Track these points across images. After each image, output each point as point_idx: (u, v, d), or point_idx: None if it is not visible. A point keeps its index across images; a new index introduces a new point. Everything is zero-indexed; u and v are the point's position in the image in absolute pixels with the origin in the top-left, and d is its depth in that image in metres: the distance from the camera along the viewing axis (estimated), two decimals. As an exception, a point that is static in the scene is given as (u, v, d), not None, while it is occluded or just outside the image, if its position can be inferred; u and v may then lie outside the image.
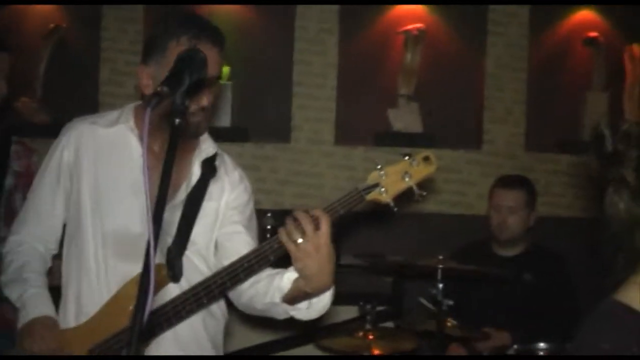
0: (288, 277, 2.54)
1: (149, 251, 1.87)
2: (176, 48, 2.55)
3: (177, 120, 1.96)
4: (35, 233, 2.90)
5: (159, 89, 1.96)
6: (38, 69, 5.77)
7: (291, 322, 2.70)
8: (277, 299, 2.57)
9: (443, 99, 6.15)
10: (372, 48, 6.11)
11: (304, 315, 2.59)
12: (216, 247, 2.85)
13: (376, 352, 4.14)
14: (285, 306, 2.58)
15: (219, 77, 2.76)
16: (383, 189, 2.52)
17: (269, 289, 2.60)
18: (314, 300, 2.52)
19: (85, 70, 5.86)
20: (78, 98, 5.75)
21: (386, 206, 2.55)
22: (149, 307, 1.84)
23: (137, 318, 1.81)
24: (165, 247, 2.72)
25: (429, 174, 2.56)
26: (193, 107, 2.63)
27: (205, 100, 2.67)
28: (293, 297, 2.54)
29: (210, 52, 2.48)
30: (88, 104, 5.64)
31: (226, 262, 2.64)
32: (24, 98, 5.75)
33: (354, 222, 5.39)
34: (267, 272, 2.64)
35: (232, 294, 2.78)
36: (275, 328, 4.96)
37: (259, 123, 5.97)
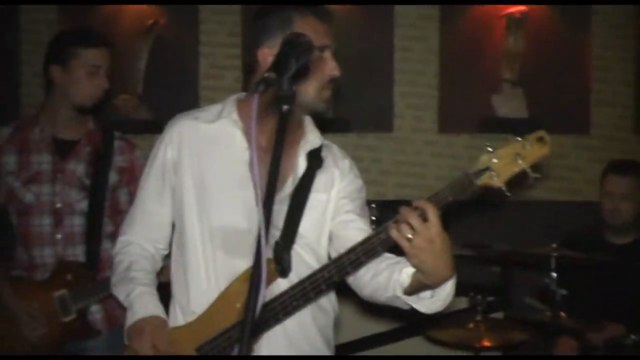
0: (407, 272, 2.46)
1: (259, 246, 1.83)
2: (301, 21, 2.57)
3: (285, 107, 1.89)
4: (143, 233, 2.87)
5: (265, 75, 1.90)
6: (137, 66, 5.79)
7: (401, 313, 2.63)
8: (399, 292, 2.49)
9: (548, 82, 5.96)
10: (474, 32, 5.95)
11: (428, 307, 2.49)
12: (331, 238, 2.79)
13: (486, 344, 4.04)
14: (408, 299, 2.49)
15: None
16: (494, 173, 2.36)
17: (389, 283, 2.52)
18: (437, 289, 2.43)
19: (184, 65, 5.86)
20: (178, 93, 5.75)
21: (498, 191, 2.39)
22: (260, 303, 1.80)
23: (248, 314, 1.78)
24: (273, 242, 2.66)
25: (544, 156, 2.37)
26: (322, 80, 2.61)
27: (336, 69, 2.64)
28: (414, 290, 2.46)
29: (323, 27, 2.53)
30: (188, 98, 5.65)
31: (342, 252, 2.56)
32: (124, 95, 5.78)
33: (459, 211, 5.27)
34: (386, 262, 2.57)
35: (355, 286, 2.71)
36: (384, 319, 4.90)
37: (360, 113, 5.88)
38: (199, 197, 2.71)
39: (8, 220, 3.75)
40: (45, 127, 3.72)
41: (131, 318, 2.72)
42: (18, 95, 5.67)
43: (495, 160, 2.37)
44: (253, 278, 1.82)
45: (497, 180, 2.37)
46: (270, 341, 2.65)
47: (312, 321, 2.76)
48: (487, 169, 2.37)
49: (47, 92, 3.81)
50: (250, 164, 2.64)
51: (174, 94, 5.73)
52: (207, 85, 5.80)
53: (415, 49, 5.88)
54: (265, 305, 2.52)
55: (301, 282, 2.56)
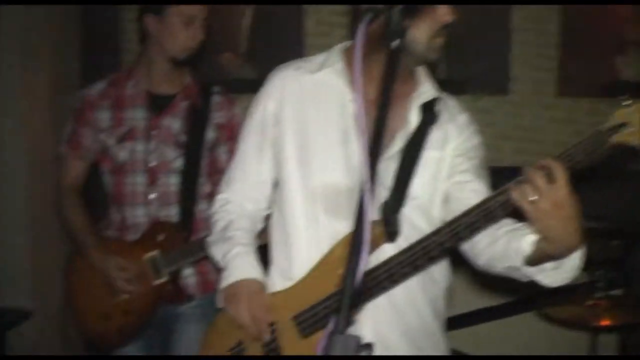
0: (528, 240, 2.20)
1: (362, 206, 1.66)
2: None
3: (394, 43, 1.65)
4: (242, 191, 2.72)
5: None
6: (241, 23, 5.63)
7: (514, 286, 2.41)
8: (518, 262, 2.24)
9: (677, 44, 5.54)
10: (599, -11, 5.56)
11: (551, 280, 2.23)
12: (445, 200, 2.55)
13: (605, 322, 3.74)
14: (528, 270, 2.24)
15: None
16: (633, 129, 2.09)
17: (507, 252, 2.27)
18: (563, 260, 2.16)
19: (289, 22, 5.64)
20: (283, 51, 5.54)
21: (635, 151, 2.12)
22: (361, 270, 1.62)
23: (348, 282, 1.61)
24: (381, 202, 2.44)
25: None
26: (433, 25, 2.37)
27: (448, 15, 2.40)
28: (536, 260, 2.19)
29: None
30: (293, 57, 5.37)
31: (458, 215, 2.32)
32: (228, 53, 5.62)
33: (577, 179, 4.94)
34: (505, 228, 2.31)
35: (469, 254, 2.48)
36: (495, 292, 4.64)
37: (475, 74, 5.56)
38: (300, 153, 2.54)
39: (101, 179, 3.60)
40: (139, 81, 3.57)
41: (226, 280, 2.56)
42: (117, 49, 5.54)
43: (634, 114, 2.08)
44: (354, 242, 1.64)
45: (635, 138, 2.08)
46: (375, 312, 2.44)
47: (421, 291, 2.55)
48: (623, 124, 2.09)
49: (142, 45, 3.63)
50: (356, 117, 2.41)
51: (278, 53, 5.51)
52: (312, 44, 5.55)
53: (535, 6, 5.52)
54: (369, 273, 2.33)
55: (410, 248, 2.33)
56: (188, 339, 3.50)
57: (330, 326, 1.60)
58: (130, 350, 3.57)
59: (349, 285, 1.60)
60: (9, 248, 4.94)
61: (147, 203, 3.52)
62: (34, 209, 4.92)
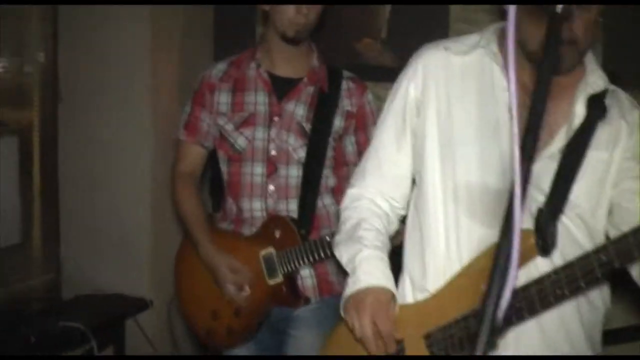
0: None
1: (512, 212, 1.34)
2: None
3: (558, 7, 1.31)
4: (377, 186, 2.38)
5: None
6: (382, 9, 5.31)
7: None
8: None
9: None
10: None
11: None
12: (610, 210, 2.14)
13: None
14: None
15: None
16: None
17: None
18: None
19: (433, 8, 5.29)
20: (425, 39, 5.17)
21: None
22: (508, 288, 1.26)
23: (490, 302, 1.28)
24: (535, 209, 2.06)
25: None
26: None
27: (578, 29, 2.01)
28: None
29: None
30: (437, 44, 5.06)
31: (625, 229, 1.90)
32: (367, 39, 5.30)
33: None
34: None
35: (635, 274, 2.07)
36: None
37: (633, 66, 5.05)
38: (444, 146, 2.19)
39: (218, 168, 3.33)
40: (262, 63, 3.29)
41: (352, 286, 2.22)
42: (251, 29, 5.32)
43: None
44: (500, 253, 1.31)
45: None
46: (521, 338, 2.07)
47: (577, 316, 2.15)
48: None
49: (264, 24, 3.35)
50: (509, 107, 2.06)
51: (420, 40, 5.16)
52: (458, 29, 5.14)
53: None
54: (518, 292, 1.94)
55: (569, 265, 1.93)
56: (304, 346, 3.18)
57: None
58: (241, 352, 3.31)
59: (492, 307, 1.27)
60: (133, 234, 4.93)
61: (265, 195, 3.23)
62: (157, 194, 4.85)
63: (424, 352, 2.13)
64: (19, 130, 4.69)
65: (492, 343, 1.25)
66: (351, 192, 2.44)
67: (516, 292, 1.94)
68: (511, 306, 1.89)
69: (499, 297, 1.27)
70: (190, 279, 3.37)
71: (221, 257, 3.18)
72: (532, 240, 2.02)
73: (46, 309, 4.70)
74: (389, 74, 4.73)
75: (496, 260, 1.30)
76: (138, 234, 4.94)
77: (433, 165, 2.21)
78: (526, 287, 1.97)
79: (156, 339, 4.90)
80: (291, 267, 3.15)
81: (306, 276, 3.24)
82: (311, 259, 3.10)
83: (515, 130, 1.34)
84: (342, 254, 2.33)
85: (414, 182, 2.35)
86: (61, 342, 4.35)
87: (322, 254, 3.01)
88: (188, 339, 4.72)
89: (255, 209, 3.23)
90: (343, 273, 2.33)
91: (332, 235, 2.88)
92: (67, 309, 4.77)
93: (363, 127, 3.22)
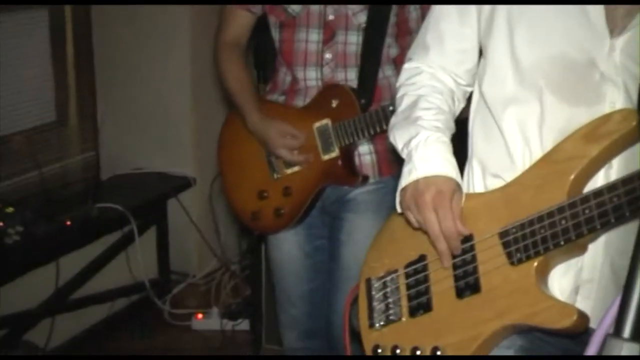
0: None
1: None
2: None
3: None
4: (439, 60, 2.04)
5: None
6: None
7: None
8: None
9: None
10: None
11: None
12: None
13: None
14: None
15: None
16: None
17: None
18: None
19: None
20: None
21: None
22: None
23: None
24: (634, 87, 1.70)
25: None
26: None
27: None
28: None
29: None
30: None
31: None
32: None
33: None
34: None
35: None
36: None
37: None
38: (517, 14, 1.83)
39: (270, 35, 3.03)
40: None
41: (408, 176, 1.89)
42: None
43: None
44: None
45: None
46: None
47: None
48: None
49: None
50: None
51: None
52: None
53: None
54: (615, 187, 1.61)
55: None
56: (358, 232, 2.89)
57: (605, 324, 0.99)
58: (288, 236, 3.05)
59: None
60: (175, 110, 4.81)
61: (322, 64, 2.92)
62: (198, 68, 4.69)
63: (499, 251, 1.79)
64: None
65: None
66: (409, 66, 2.10)
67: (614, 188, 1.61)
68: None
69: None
70: (236, 156, 3.11)
71: (270, 122, 2.92)
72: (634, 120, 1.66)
73: (84, 190, 4.56)
74: None
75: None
76: (180, 110, 4.79)
77: (501, 39, 1.87)
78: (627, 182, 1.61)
79: (200, 220, 4.75)
80: (349, 140, 2.86)
81: (365, 153, 2.95)
82: (372, 131, 2.80)
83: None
84: (397, 138, 1.99)
85: (480, 53, 2.00)
86: (100, 224, 4.21)
87: (384, 126, 2.70)
88: (230, 221, 4.56)
89: (310, 78, 2.93)
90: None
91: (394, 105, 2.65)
92: (106, 189, 4.64)
93: None
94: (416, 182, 1.86)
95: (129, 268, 4.46)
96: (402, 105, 2.02)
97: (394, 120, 2.04)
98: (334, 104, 2.85)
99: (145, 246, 4.54)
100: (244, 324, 4.42)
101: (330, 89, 2.88)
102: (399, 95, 2.07)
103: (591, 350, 1.02)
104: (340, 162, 2.87)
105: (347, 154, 2.88)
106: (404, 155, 1.94)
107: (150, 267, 4.64)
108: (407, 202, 1.87)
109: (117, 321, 4.47)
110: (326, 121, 2.87)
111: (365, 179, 2.91)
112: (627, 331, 0.97)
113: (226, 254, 4.84)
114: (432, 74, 2.04)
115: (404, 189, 1.89)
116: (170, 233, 4.75)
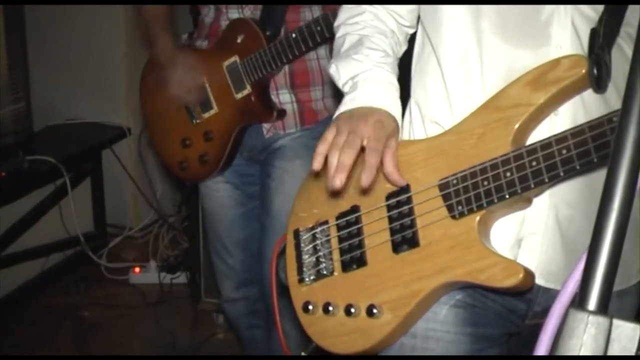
0: None
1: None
2: None
3: None
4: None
5: None
6: None
7: None
8: None
9: None
10: None
11: None
12: None
13: None
14: None
15: None
16: None
17: None
18: None
19: None
20: None
21: None
22: None
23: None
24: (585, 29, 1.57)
25: None
26: None
27: None
28: None
29: None
30: None
31: None
32: None
33: None
34: None
35: None
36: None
37: None
38: None
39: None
40: None
41: (350, 103, 1.74)
42: None
43: None
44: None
45: None
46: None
47: None
48: None
49: None
50: None
51: None
52: None
53: None
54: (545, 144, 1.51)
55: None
56: (289, 178, 2.77)
57: (566, 293, 0.88)
58: (218, 182, 2.94)
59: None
60: (108, 59, 4.70)
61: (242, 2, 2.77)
62: (130, 12, 4.58)
63: (438, 204, 1.66)
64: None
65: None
66: (349, 7, 1.95)
67: (545, 145, 1.51)
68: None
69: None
70: (158, 107, 2.99)
71: (180, 53, 2.84)
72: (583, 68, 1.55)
73: (15, 143, 4.41)
74: None
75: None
76: (114, 59, 4.66)
77: None
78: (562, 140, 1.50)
79: (136, 171, 4.65)
80: (258, 75, 2.73)
81: (286, 102, 2.85)
82: (278, 62, 2.67)
83: None
84: (340, 70, 1.84)
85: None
86: (31, 177, 4.08)
87: (290, 55, 2.62)
88: (165, 171, 4.44)
89: (233, 19, 2.80)
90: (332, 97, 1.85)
91: (300, 31, 2.55)
92: (39, 141, 4.52)
93: None
94: (359, 109, 1.72)
95: (62, 222, 4.34)
96: (345, 44, 1.87)
97: (334, 57, 1.90)
98: (240, 39, 2.71)
99: (79, 199, 4.43)
100: (182, 277, 4.33)
101: (234, 25, 2.75)
102: (339, 34, 1.92)
103: (551, 322, 0.88)
104: (253, 99, 2.75)
105: (260, 89, 2.75)
106: (345, 87, 1.80)
107: (86, 221, 4.53)
108: (340, 125, 1.69)
109: (52, 277, 4.36)
110: (234, 58, 2.74)
111: (282, 113, 2.78)
112: (592, 302, 0.83)
113: (163, 206, 4.73)
114: (375, 14, 1.89)
115: (341, 113, 1.74)
116: (105, 185, 4.63)
